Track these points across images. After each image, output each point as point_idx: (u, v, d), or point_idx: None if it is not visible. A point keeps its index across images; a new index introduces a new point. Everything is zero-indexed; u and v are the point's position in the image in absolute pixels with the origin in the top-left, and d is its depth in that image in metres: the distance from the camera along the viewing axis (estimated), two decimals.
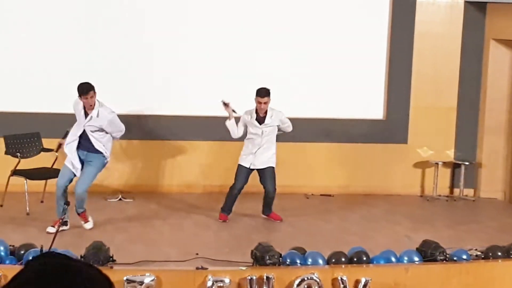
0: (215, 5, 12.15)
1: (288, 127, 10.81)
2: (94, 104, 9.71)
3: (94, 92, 9.65)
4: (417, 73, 12.65)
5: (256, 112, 10.64)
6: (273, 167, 10.74)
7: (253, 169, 10.74)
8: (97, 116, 9.73)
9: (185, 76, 12.10)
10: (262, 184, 10.77)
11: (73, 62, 11.86)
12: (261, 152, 10.66)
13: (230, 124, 10.75)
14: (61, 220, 8.80)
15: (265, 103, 10.53)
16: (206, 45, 12.12)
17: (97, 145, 9.80)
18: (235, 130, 10.74)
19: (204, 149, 12.23)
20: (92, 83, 9.69)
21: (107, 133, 9.86)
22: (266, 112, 10.62)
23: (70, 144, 9.83)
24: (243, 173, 10.73)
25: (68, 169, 9.82)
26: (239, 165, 10.75)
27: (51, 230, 9.48)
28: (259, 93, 10.54)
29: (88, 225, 10.07)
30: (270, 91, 10.54)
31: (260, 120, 10.64)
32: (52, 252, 2.05)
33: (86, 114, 9.76)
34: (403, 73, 12.64)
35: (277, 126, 10.74)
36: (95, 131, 9.79)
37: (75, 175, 9.85)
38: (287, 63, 12.19)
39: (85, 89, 9.60)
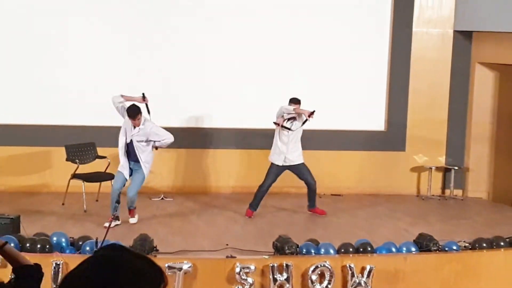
0: (239, 26, 12.16)
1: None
2: (139, 126, 9.83)
3: (141, 114, 9.77)
4: (413, 91, 12.60)
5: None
6: (303, 163, 10.55)
7: (284, 168, 10.51)
8: (144, 129, 9.83)
9: (219, 96, 12.13)
10: (302, 179, 10.61)
11: (125, 80, 11.90)
12: (291, 151, 10.45)
13: (291, 109, 10.35)
14: (113, 216, 8.84)
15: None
16: (227, 67, 12.14)
17: (139, 157, 9.87)
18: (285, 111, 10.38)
19: (233, 156, 12.22)
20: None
21: (149, 142, 9.91)
22: None
23: (122, 166, 9.95)
24: (274, 171, 10.53)
25: (122, 175, 9.90)
26: (272, 164, 10.53)
27: (108, 225, 9.55)
28: (294, 100, 10.39)
29: (133, 220, 10.12)
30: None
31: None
32: (115, 245, 2.06)
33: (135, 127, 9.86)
34: (401, 91, 12.59)
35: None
36: (140, 141, 9.85)
37: (127, 180, 9.95)
38: (311, 85, 12.14)
39: (134, 113, 9.70)
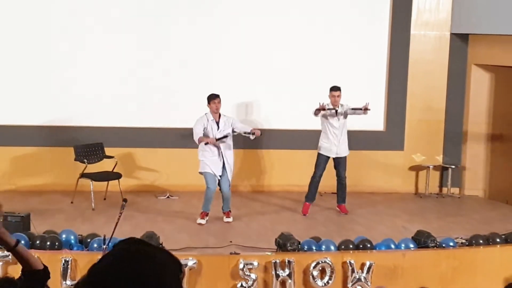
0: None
1: (358, 111, 10.48)
2: (219, 110, 9.98)
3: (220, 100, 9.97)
4: (411, 92, 12.59)
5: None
6: (346, 156, 10.75)
7: (329, 157, 10.65)
8: (225, 124, 10.00)
9: None
10: (336, 170, 10.76)
11: (135, 81, 11.90)
12: (342, 142, 10.61)
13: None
14: (120, 215, 8.82)
15: (338, 96, 10.51)
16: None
17: (223, 153, 10.02)
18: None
19: (240, 156, 12.21)
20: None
21: (230, 136, 10.09)
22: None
23: (214, 162, 10.01)
24: (323, 161, 10.67)
25: (213, 175, 9.98)
26: (321, 155, 10.65)
27: (202, 221, 9.96)
28: (333, 88, 10.55)
29: (229, 219, 10.21)
30: (341, 87, 10.56)
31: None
32: (135, 238, 2.07)
33: (217, 128, 10.00)
34: (400, 92, 12.58)
35: (348, 113, 10.58)
36: (226, 136, 10.00)
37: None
38: (313, 87, 12.15)
39: (215, 95, 9.96)
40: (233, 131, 10.09)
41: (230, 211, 10.30)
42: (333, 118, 10.56)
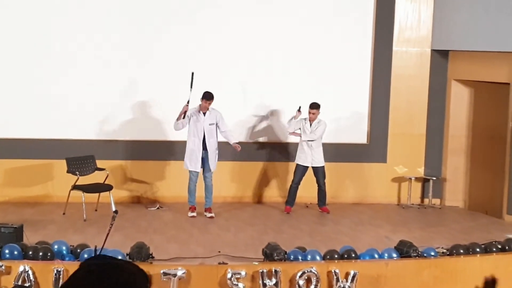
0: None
1: (314, 135, 11.32)
2: (206, 110, 10.70)
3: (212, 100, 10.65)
4: (393, 106, 12.65)
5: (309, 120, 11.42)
6: (324, 166, 11.42)
7: (308, 167, 11.34)
8: (210, 113, 10.72)
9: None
10: (316, 178, 11.43)
11: (125, 95, 11.88)
12: (315, 153, 11.31)
13: (292, 122, 11.41)
14: (111, 226, 8.78)
15: (313, 113, 11.27)
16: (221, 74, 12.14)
17: (208, 143, 10.72)
18: (291, 126, 11.42)
19: (228, 168, 12.19)
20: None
21: (215, 127, 10.77)
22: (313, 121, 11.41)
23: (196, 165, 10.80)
24: (300, 170, 11.35)
25: (196, 173, 10.84)
26: (298, 165, 11.38)
27: (193, 214, 10.86)
28: (311, 106, 11.29)
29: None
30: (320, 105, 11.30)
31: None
32: (102, 255, 2.07)
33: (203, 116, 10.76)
34: (383, 106, 12.64)
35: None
36: (212, 124, 10.69)
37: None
38: (299, 101, 12.16)
39: (210, 96, 10.65)
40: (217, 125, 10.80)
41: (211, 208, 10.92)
42: (305, 133, 11.28)
